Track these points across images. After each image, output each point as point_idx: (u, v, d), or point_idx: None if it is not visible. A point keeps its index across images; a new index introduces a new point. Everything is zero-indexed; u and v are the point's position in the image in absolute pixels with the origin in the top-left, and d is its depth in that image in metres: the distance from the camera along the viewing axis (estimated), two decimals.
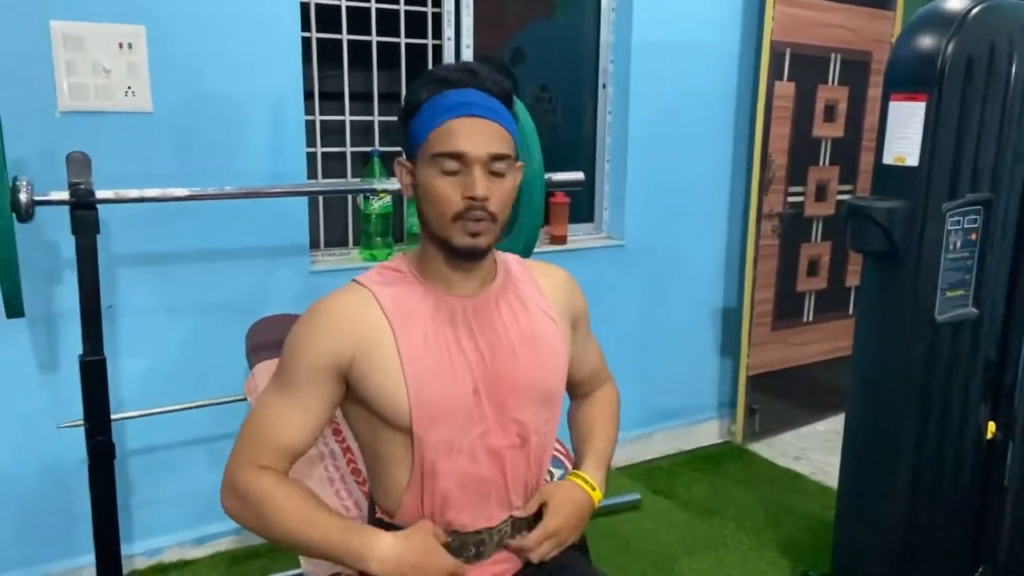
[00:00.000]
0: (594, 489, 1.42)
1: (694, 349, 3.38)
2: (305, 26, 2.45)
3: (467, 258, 1.23)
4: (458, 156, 1.18)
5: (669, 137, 3.10)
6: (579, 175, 2.27)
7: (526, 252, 2.12)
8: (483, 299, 1.28)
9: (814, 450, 3.33)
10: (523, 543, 1.29)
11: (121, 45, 2.14)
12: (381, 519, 1.31)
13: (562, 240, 3.01)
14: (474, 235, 1.19)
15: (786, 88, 3.15)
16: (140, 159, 2.19)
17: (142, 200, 1.77)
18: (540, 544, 1.29)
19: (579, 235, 3.12)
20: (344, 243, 2.71)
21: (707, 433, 3.46)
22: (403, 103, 1.24)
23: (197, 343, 2.33)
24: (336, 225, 2.72)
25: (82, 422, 1.74)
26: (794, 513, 2.84)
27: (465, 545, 1.27)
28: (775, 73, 3.11)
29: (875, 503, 2.12)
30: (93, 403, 1.72)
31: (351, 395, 1.24)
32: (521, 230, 2.08)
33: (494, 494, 1.28)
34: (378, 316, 1.21)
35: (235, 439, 1.26)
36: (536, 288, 1.36)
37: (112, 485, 1.77)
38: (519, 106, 2.00)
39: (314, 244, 2.61)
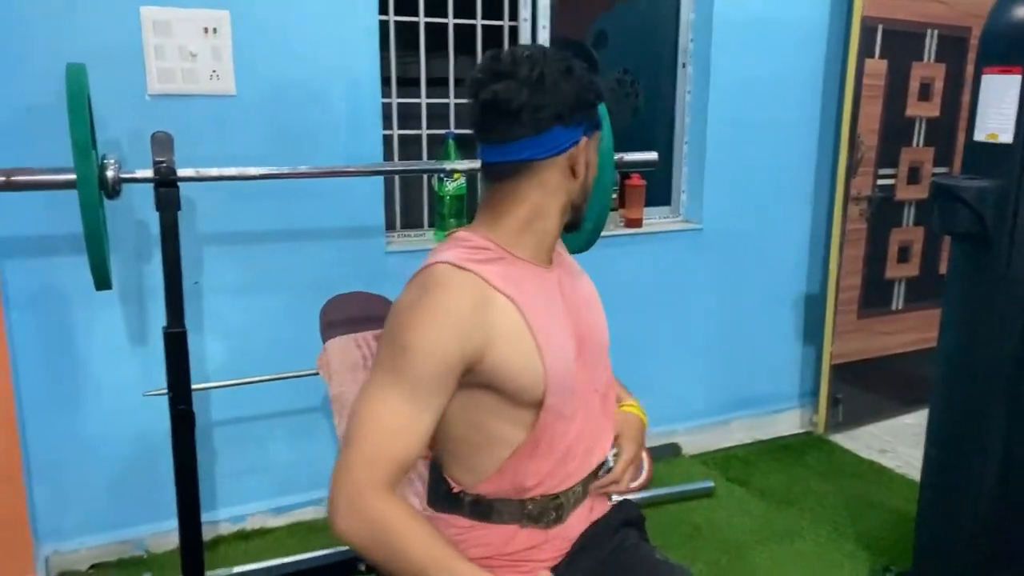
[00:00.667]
0: (643, 413, 1.49)
1: (774, 336, 3.29)
2: (383, 10, 2.49)
3: (571, 230, 1.32)
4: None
5: (751, 117, 3.01)
6: (652, 155, 2.24)
7: (594, 234, 2.10)
8: (557, 271, 1.30)
9: (902, 443, 3.20)
10: (612, 477, 1.36)
11: (206, 30, 2.21)
12: (454, 492, 1.27)
13: (637, 223, 2.97)
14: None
15: (877, 66, 3.02)
16: (224, 140, 2.27)
17: (220, 179, 1.83)
18: (625, 473, 1.37)
19: (655, 218, 3.07)
20: (419, 224, 2.75)
21: (787, 423, 3.37)
22: (589, 85, 1.24)
23: (277, 319, 2.41)
24: (412, 207, 2.76)
25: (165, 391, 1.82)
26: (876, 507, 2.74)
27: (545, 511, 1.26)
28: (865, 50, 2.98)
29: (959, 501, 2.02)
30: (175, 373, 1.80)
31: (473, 382, 1.18)
32: (589, 211, 2.05)
33: (580, 454, 1.29)
34: (498, 298, 1.17)
35: (348, 443, 1.12)
36: (567, 255, 1.40)
37: (192, 452, 1.85)
38: None
39: (390, 225, 2.66)
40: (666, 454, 3.07)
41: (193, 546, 1.88)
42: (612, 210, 2.92)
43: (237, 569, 2.31)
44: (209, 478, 2.46)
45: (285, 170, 1.95)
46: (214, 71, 2.24)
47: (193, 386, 1.85)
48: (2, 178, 1.66)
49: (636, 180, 2.96)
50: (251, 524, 2.53)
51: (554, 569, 1.28)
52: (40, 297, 2.17)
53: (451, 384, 1.15)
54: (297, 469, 2.55)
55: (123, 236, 2.20)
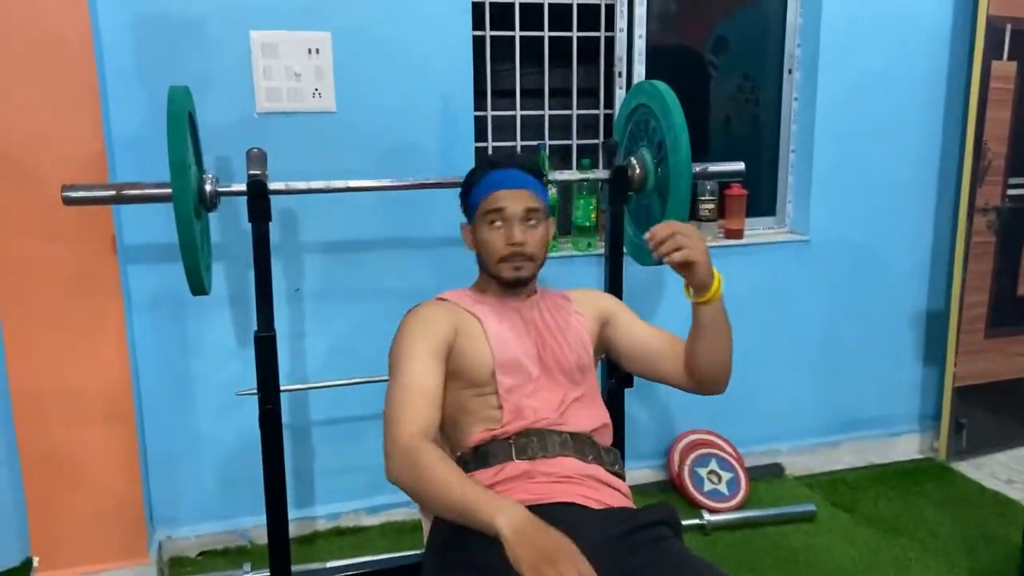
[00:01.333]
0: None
1: (890, 355, 3.11)
2: (479, 25, 2.55)
3: (514, 287, 1.70)
4: (500, 212, 1.66)
5: (864, 123, 2.88)
6: (738, 166, 2.18)
7: None
8: (527, 305, 1.72)
9: None
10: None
11: (310, 51, 2.34)
12: (457, 456, 1.59)
13: (738, 235, 2.89)
14: (517, 269, 1.67)
15: (1006, 68, 2.81)
16: (325, 155, 2.38)
17: (307, 191, 1.94)
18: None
19: (758, 229, 2.98)
20: None
21: (904, 447, 3.18)
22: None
23: (373, 324, 2.48)
24: None
25: (256, 391, 1.93)
26: (997, 541, 2.54)
27: (529, 443, 1.54)
28: (992, 51, 2.78)
29: None
30: (264, 374, 1.91)
31: (449, 371, 1.61)
32: (667, 219, 2.02)
33: (547, 417, 1.59)
34: (463, 312, 1.67)
35: (391, 413, 1.51)
36: (564, 299, 1.79)
37: (279, 448, 1.95)
38: (667, 93, 1.97)
39: None
40: (767, 474, 2.96)
41: (279, 537, 1.98)
42: (711, 221, 2.86)
43: (330, 564, 2.41)
44: (307, 475, 2.59)
45: (370, 183, 2.04)
46: (316, 89, 2.37)
47: (282, 387, 1.95)
48: (113, 192, 1.83)
49: (736, 190, 2.88)
50: (346, 522, 2.64)
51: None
52: (159, 300, 2.35)
53: (442, 360, 1.58)
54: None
55: (231, 245, 2.35)
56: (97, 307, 2.18)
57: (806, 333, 2.98)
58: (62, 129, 2.07)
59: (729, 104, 3.11)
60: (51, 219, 2.07)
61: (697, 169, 2.05)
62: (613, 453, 1.67)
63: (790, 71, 2.93)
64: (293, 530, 2.55)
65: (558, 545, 1.23)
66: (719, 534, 2.60)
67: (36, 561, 2.24)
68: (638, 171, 2.12)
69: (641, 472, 2.85)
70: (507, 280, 1.68)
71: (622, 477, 1.65)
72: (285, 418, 2.47)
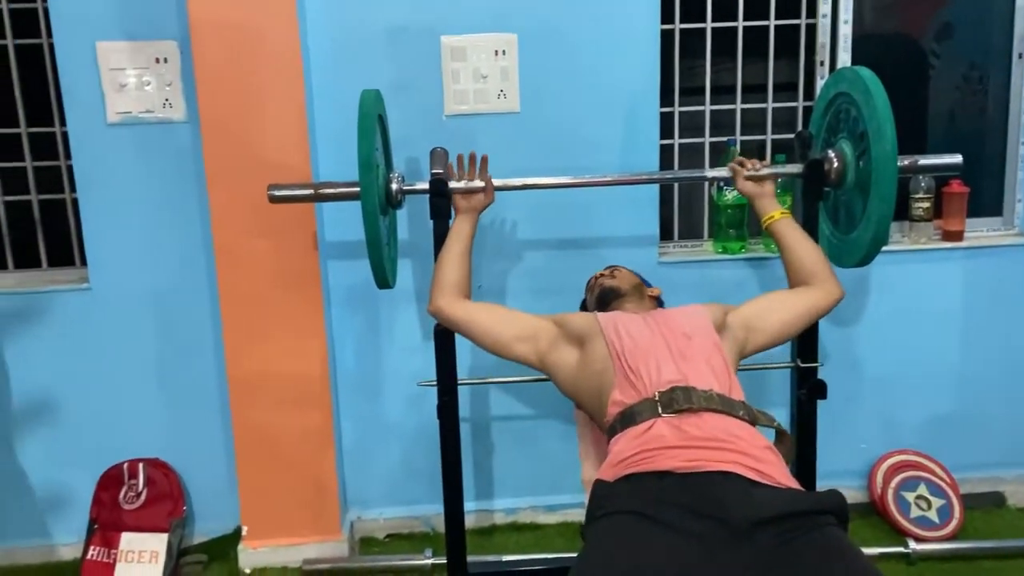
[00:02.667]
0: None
1: None
2: (668, 18, 2.48)
3: (610, 296, 1.99)
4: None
5: None
6: (954, 158, 1.95)
7: (874, 246, 1.89)
8: (644, 315, 1.84)
9: None
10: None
11: (496, 53, 2.39)
12: (609, 425, 1.64)
13: (957, 236, 2.61)
14: (601, 284, 2.04)
15: None
16: (508, 155, 2.39)
17: (486, 189, 1.95)
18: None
19: (980, 231, 2.67)
20: (699, 235, 2.69)
21: None
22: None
23: None
24: (693, 217, 2.71)
25: (435, 383, 2.00)
26: None
27: (675, 399, 1.55)
28: None
29: None
30: (443, 367, 1.97)
31: (573, 342, 1.82)
32: (869, 220, 1.86)
33: (667, 372, 1.62)
34: (597, 314, 1.87)
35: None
36: (668, 311, 1.89)
37: (455, 438, 2.00)
38: (870, 78, 1.82)
39: (667, 235, 2.64)
40: (986, 503, 2.65)
41: (456, 525, 2.03)
42: (925, 220, 2.61)
43: (507, 557, 2.44)
44: (487, 469, 2.64)
45: (551, 180, 2.03)
46: (501, 91, 2.41)
47: (460, 380, 2.01)
48: (312, 191, 1.96)
49: (956, 186, 2.60)
50: (523, 517, 2.66)
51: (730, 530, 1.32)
52: (354, 295, 2.49)
53: (547, 324, 1.87)
54: (570, 470, 2.61)
55: (420, 242, 2.44)
56: (301, 300, 2.35)
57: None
58: (273, 134, 2.26)
59: (953, 96, 2.82)
60: (263, 218, 2.25)
61: (905, 162, 1.86)
62: (768, 416, 1.65)
63: (1020, 55, 2.61)
64: (471, 521, 2.63)
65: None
66: (926, 565, 2.36)
67: (245, 531, 2.45)
68: (836, 164, 1.97)
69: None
70: (598, 293, 2.00)
71: (787, 441, 1.66)
72: (465, 412, 2.57)
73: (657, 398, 1.55)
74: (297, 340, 2.37)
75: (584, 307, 2.15)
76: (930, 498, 2.55)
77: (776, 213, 1.95)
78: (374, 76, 2.33)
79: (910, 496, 2.56)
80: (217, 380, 2.47)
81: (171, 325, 2.48)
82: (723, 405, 1.55)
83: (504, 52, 2.39)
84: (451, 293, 1.90)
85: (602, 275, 2.07)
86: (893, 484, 2.58)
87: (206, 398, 2.51)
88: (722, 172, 2.05)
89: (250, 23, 2.20)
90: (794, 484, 1.46)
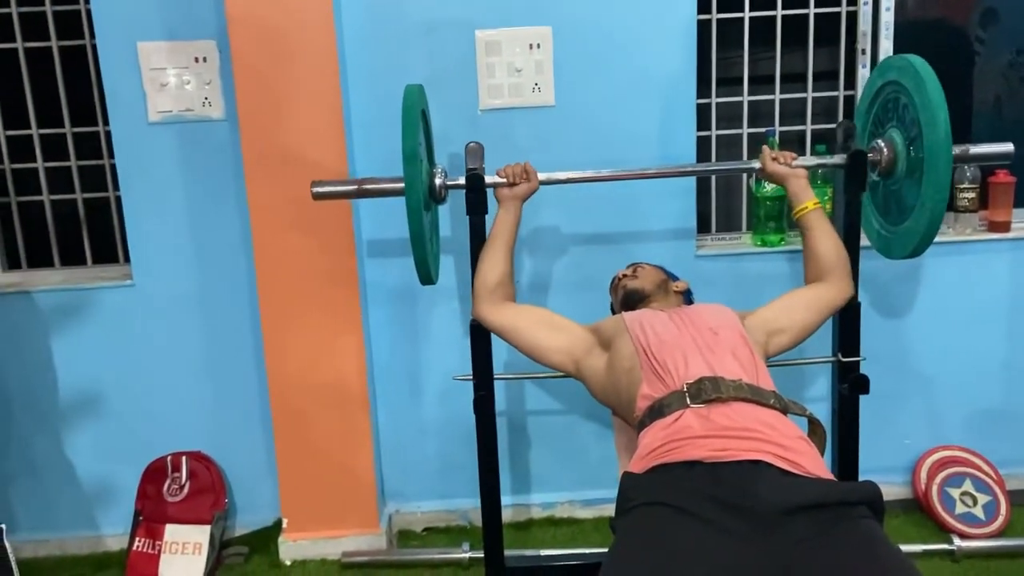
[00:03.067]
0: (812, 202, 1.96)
1: None
2: (705, 8, 2.45)
3: (634, 299, 2.02)
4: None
5: None
6: (1006, 147, 1.90)
7: (927, 236, 1.85)
8: (669, 311, 1.85)
9: None
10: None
11: (531, 46, 2.38)
12: (638, 419, 1.62)
13: (1004, 227, 2.54)
14: (628, 282, 2.05)
15: None
16: (545, 149, 2.41)
17: (528, 176, 1.95)
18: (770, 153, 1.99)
19: None
20: (738, 228, 2.65)
21: None
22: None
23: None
24: (732, 209, 2.67)
25: (471, 377, 2.00)
26: None
27: (700, 390, 1.53)
28: None
29: None
30: (478, 362, 1.97)
31: (604, 344, 1.83)
32: (923, 209, 1.82)
33: (694, 364, 1.61)
34: (623, 315, 1.89)
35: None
36: (692, 307, 1.90)
37: (492, 432, 2.00)
38: (921, 66, 1.80)
39: (705, 228, 2.61)
40: None
41: (493, 517, 2.04)
42: (971, 211, 2.55)
43: (544, 552, 2.44)
44: (523, 464, 2.64)
45: (586, 174, 2.02)
46: (536, 84, 2.40)
47: (496, 375, 2.01)
48: (355, 187, 1.97)
49: (1003, 176, 2.53)
50: (560, 512, 2.66)
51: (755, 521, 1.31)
52: (391, 292, 2.51)
53: (585, 332, 1.89)
54: (607, 465, 2.60)
55: (460, 238, 2.44)
56: (338, 296, 2.37)
57: None
58: (309, 130, 2.27)
59: (999, 83, 2.74)
60: (301, 215, 2.27)
61: (957, 150, 1.82)
62: (799, 405, 1.64)
63: None
64: (508, 516, 2.63)
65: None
66: (971, 562, 2.31)
67: (285, 523, 2.48)
68: (886, 153, 1.92)
69: (881, 489, 2.59)
70: (621, 296, 2.02)
71: (820, 431, 1.66)
72: (502, 406, 2.57)
73: (685, 390, 1.55)
74: (335, 336, 2.39)
75: (612, 310, 2.15)
76: (975, 494, 2.49)
77: (809, 204, 1.94)
78: (409, 71, 2.34)
79: (955, 492, 2.50)
80: (257, 375, 2.50)
81: (212, 320, 2.51)
82: (753, 394, 1.53)
83: (539, 45, 2.38)
84: (494, 298, 1.92)
85: (624, 276, 2.07)
86: (938, 480, 2.52)
87: (247, 392, 2.54)
88: (758, 164, 2.02)
89: (286, 20, 2.21)
90: (827, 475, 1.43)
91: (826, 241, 1.91)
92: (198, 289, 2.49)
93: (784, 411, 1.57)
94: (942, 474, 2.54)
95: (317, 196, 1.94)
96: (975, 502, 2.48)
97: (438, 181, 1.96)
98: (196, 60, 2.36)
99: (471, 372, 2.01)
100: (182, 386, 2.54)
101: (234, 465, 2.59)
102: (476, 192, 1.91)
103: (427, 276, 1.94)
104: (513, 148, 2.34)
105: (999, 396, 2.61)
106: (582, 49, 2.38)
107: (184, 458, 2.52)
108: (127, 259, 2.52)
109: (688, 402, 1.52)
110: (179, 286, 2.48)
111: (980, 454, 2.59)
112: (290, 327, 2.37)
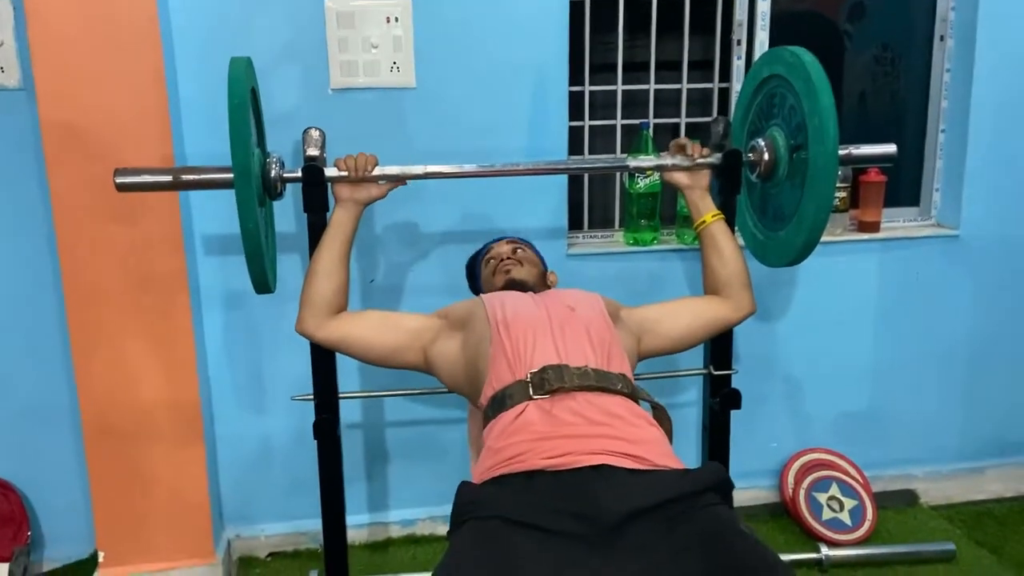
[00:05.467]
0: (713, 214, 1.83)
1: None
2: None
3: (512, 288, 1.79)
4: (489, 251, 1.96)
5: None
6: (889, 148, 1.81)
7: (806, 249, 1.74)
8: (539, 296, 1.72)
9: None
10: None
11: (388, 19, 2.13)
12: (481, 408, 1.55)
13: (873, 228, 2.51)
14: (507, 272, 1.83)
15: None
16: (402, 136, 2.18)
17: (364, 179, 1.69)
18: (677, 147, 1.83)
19: (896, 221, 2.59)
20: (611, 224, 2.51)
21: None
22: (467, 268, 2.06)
23: None
24: (606, 204, 2.53)
25: (311, 397, 1.76)
26: None
27: (546, 380, 1.45)
28: None
29: None
30: (320, 380, 1.73)
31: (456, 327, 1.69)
32: (802, 222, 1.70)
33: (544, 349, 1.52)
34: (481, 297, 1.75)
35: None
36: (561, 291, 1.79)
37: (336, 462, 1.78)
38: (812, 65, 1.67)
39: (577, 225, 2.45)
40: (898, 502, 2.59)
41: (337, 551, 1.81)
42: (841, 211, 2.50)
43: None
44: (381, 477, 2.43)
45: (438, 168, 1.77)
46: (395, 63, 2.16)
47: (341, 394, 1.77)
48: (170, 177, 1.67)
49: (873, 175, 2.50)
50: (421, 529, 2.46)
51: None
52: (233, 296, 2.21)
53: (427, 320, 1.73)
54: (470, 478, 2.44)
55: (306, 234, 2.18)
56: (164, 301, 2.06)
57: (951, 342, 2.58)
58: (127, 107, 1.95)
59: (864, 78, 2.71)
60: (117, 205, 1.94)
61: (841, 152, 1.69)
62: (645, 392, 1.56)
63: (942, 38, 2.51)
64: (365, 536, 2.43)
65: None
66: (839, 572, 2.27)
67: (102, 556, 2.17)
68: (766, 155, 1.79)
69: (747, 493, 2.54)
70: (502, 285, 1.79)
71: (666, 420, 1.56)
72: (357, 417, 2.35)
73: (529, 379, 1.47)
74: (160, 345, 2.08)
75: (473, 288, 2.00)
76: (842, 499, 2.47)
77: (708, 216, 1.80)
78: (248, 43, 2.05)
79: (822, 497, 2.47)
80: (68, 389, 2.16)
81: (10, 327, 2.15)
82: (599, 380, 1.47)
83: (397, 19, 2.14)
84: (321, 311, 1.68)
85: (508, 260, 1.87)
86: (805, 485, 2.48)
87: (55, 410, 2.20)
88: (644, 162, 1.85)
89: None
90: (675, 462, 1.40)
91: (727, 254, 1.79)
92: None
93: (632, 396, 1.51)
94: (809, 478, 2.50)
95: (122, 187, 1.63)
96: (842, 507, 2.46)
97: (273, 173, 1.69)
98: None
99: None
100: None
101: (41, 493, 2.25)
102: (314, 187, 1.65)
103: (263, 284, 1.67)
104: (368, 135, 2.08)
105: (866, 398, 2.60)
106: (446, 27, 2.15)
107: None
108: None
109: (531, 393, 1.45)
110: None
111: (847, 457, 2.57)
112: (104, 335, 2.04)
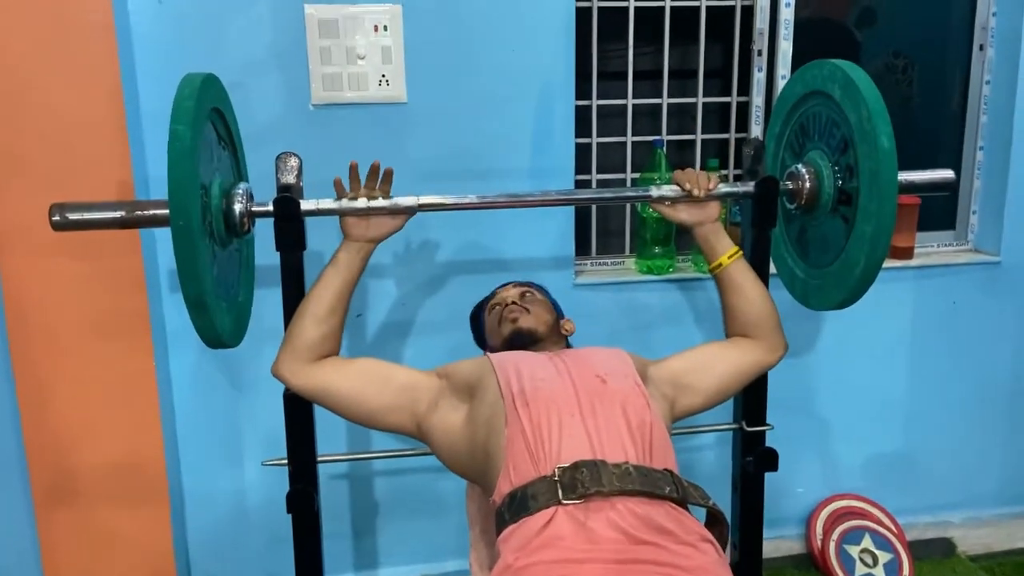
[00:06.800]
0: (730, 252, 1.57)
1: None
2: None
3: (519, 341, 1.57)
4: (494, 297, 1.71)
5: None
6: (947, 174, 1.59)
7: (859, 288, 1.51)
8: (549, 354, 1.49)
9: None
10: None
11: (376, 27, 1.92)
12: (495, 507, 1.28)
13: (907, 254, 2.31)
14: (514, 321, 1.59)
15: None
16: (395, 156, 1.92)
17: (341, 212, 1.45)
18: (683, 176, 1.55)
19: (931, 246, 2.38)
20: (620, 250, 2.29)
21: None
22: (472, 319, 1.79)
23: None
24: (613, 228, 2.31)
25: (285, 462, 1.53)
26: None
27: (574, 480, 1.20)
28: None
29: None
30: (296, 443, 1.50)
31: (461, 391, 1.45)
32: (855, 255, 1.47)
33: (570, 436, 1.27)
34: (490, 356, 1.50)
35: None
36: (578, 350, 1.54)
37: (315, 538, 1.54)
38: (862, 81, 1.42)
39: (584, 251, 2.24)
40: (934, 552, 2.38)
41: None
42: None
43: None
44: (369, 533, 2.20)
45: (448, 200, 1.52)
46: (383, 76, 1.94)
47: (320, 457, 1.54)
48: (119, 214, 1.42)
49: (907, 198, 2.28)
50: None
51: None
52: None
53: (430, 380, 1.48)
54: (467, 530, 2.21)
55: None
56: (124, 346, 1.86)
57: (991, 378, 2.38)
58: (78, 125, 1.73)
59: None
60: (69, 236, 1.69)
61: (902, 181, 1.47)
62: (700, 491, 1.31)
63: (981, 47, 2.31)
64: None
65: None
66: None
67: None
68: (808, 184, 1.56)
69: (771, 544, 2.29)
70: (508, 335, 1.57)
71: (721, 524, 1.32)
72: (343, 468, 2.12)
73: (557, 477, 1.21)
74: (118, 394, 1.88)
75: (478, 341, 1.75)
76: (876, 552, 2.25)
77: (724, 258, 1.56)
78: (218, 53, 1.84)
79: (854, 550, 2.25)
80: (16, 444, 1.92)
81: None
82: (643, 483, 1.21)
83: (386, 28, 1.92)
84: (302, 356, 1.43)
85: (514, 306, 1.62)
86: (835, 536, 2.27)
87: (3, 466, 1.96)
88: (670, 193, 1.59)
89: None
90: None
91: (752, 296, 1.56)
92: None
93: (683, 502, 1.25)
94: (839, 528, 2.28)
95: (59, 226, 1.39)
96: (876, 561, 2.24)
97: (238, 207, 1.43)
98: None
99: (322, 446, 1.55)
100: None
101: None
102: (288, 221, 1.42)
103: (215, 337, 1.39)
104: (353, 155, 1.82)
105: (899, 438, 2.39)
106: (440, 36, 1.94)
107: None
108: None
109: (560, 496, 1.19)
110: None
111: (879, 504, 2.35)
112: (54, 385, 1.82)
